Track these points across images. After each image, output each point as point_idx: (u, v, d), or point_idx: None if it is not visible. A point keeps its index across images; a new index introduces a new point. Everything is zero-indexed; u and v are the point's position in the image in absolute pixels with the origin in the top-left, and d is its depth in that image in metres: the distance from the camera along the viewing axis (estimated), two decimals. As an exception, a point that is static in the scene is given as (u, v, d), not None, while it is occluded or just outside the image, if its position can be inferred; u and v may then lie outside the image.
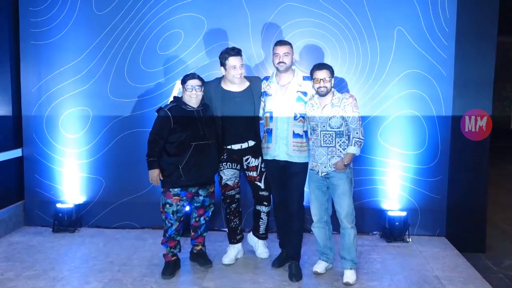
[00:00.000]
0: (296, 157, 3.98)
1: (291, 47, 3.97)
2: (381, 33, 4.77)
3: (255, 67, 4.88)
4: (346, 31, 4.83)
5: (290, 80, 3.99)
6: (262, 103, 4.13)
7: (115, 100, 5.02)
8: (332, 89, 3.87)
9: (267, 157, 4.08)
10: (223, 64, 3.95)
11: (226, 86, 4.03)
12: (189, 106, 3.86)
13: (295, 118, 3.95)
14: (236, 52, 3.88)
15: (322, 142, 3.82)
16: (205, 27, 4.87)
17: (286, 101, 3.97)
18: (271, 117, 4.00)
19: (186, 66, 4.90)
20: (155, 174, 3.77)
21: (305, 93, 3.99)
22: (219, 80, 4.07)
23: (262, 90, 4.09)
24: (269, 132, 4.04)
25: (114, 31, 4.97)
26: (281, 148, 3.99)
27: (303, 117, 3.98)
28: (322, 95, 3.78)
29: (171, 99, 4.05)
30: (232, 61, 3.89)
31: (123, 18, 4.96)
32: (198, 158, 3.83)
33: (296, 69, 4.07)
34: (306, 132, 4.03)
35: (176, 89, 4.79)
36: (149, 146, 3.79)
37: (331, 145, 3.80)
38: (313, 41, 4.84)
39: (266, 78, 4.16)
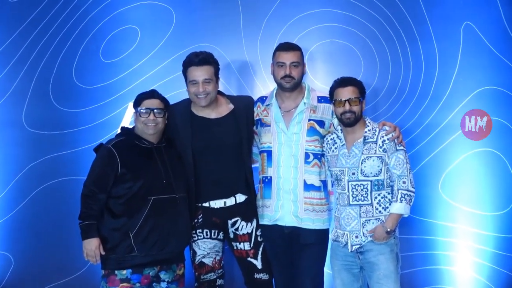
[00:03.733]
0: (310, 221, 4.04)
1: (302, 53, 4.08)
2: (441, 31, 4.85)
3: (249, 82, 4.99)
4: (387, 28, 4.90)
5: (299, 102, 4.08)
6: (255, 138, 4.24)
7: (33, 132, 5.10)
8: (364, 117, 3.93)
9: (265, 220, 4.13)
10: (185, 77, 4.07)
11: (198, 110, 4.11)
12: (145, 141, 3.92)
13: (307, 160, 4.02)
14: (200, 60, 3.97)
15: (351, 198, 3.87)
16: (174, 22, 5.01)
17: (292, 135, 4.05)
18: (269, 159, 4.09)
19: (143, 80, 4.99)
20: (92, 247, 3.79)
21: (321, 122, 4.07)
22: (188, 102, 4.15)
23: (256, 117, 4.21)
24: (267, 182, 4.13)
25: (34, 27, 5.09)
26: (286, 207, 4.05)
27: (320, 159, 4.06)
28: (348, 124, 3.85)
29: (119, 130, 4.15)
30: (192, 73, 3.99)
31: (48, 7, 5.09)
32: (159, 221, 3.86)
33: (307, 86, 4.16)
34: (324, 182, 4.11)
35: (128, 116, 4.94)
36: (84, 203, 3.83)
37: (365, 202, 3.85)
38: (336, 44, 4.92)
39: (262, 100, 4.25)
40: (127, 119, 4.94)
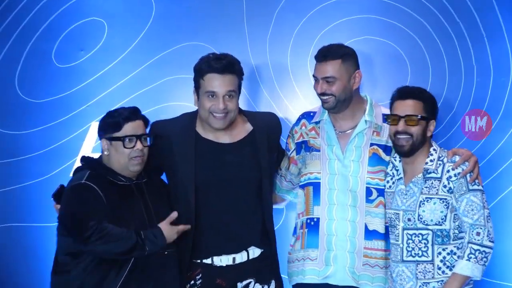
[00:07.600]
0: (369, 280, 3.74)
1: (347, 60, 3.78)
2: (516, 26, 4.65)
3: (255, 94, 4.74)
4: (443, 22, 4.55)
5: (358, 121, 3.84)
6: (285, 164, 4.02)
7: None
8: (431, 142, 3.70)
9: (308, 278, 3.81)
10: (197, 85, 3.76)
11: (206, 131, 3.81)
12: (122, 176, 3.60)
13: (369, 198, 3.77)
14: (224, 66, 3.67)
15: (405, 252, 3.60)
16: (153, 13, 4.77)
17: (350, 163, 3.81)
18: (316, 195, 3.84)
19: (112, 91, 4.72)
20: (173, 231, 3.56)
21: (388, 148, 3.83)
22: (190, 118, 3.87)
23: (298, 140, 3.99)
24: (313, 225, 3.84)
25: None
26: (340, 260, 3.74)
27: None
28: (402, 153, 3.60)
29: (78, 163, 3.82)
30: (211, 82, 3.69)
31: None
32: (142, 285, 3.53)
33: (369, 99, 3.96)
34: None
35: (91, 140, 4.68)
36: (112, 236, 3.43)
37: (423, 258, 3.55)
38: (373, 42, 4.62)
39: (308, 116, 4.04)
40: (89, 144, 4.69)
